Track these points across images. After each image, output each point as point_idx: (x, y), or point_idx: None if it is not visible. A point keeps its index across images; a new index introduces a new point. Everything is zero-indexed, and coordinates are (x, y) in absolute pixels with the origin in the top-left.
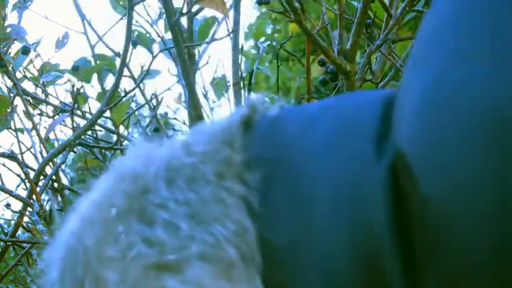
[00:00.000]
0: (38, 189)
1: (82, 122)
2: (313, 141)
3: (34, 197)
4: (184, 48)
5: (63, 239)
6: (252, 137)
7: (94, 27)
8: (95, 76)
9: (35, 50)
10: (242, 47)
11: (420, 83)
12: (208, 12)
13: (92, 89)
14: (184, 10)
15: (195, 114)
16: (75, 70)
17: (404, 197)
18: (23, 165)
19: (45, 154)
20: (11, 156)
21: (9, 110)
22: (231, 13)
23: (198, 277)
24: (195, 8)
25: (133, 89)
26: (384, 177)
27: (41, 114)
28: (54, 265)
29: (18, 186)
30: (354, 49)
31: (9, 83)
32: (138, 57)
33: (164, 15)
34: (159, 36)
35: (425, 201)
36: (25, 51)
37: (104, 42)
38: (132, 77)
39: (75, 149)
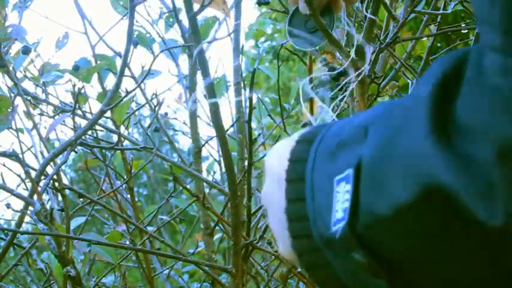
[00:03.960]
0: (39, 188)
1: (83, 122)
2: None
3: (35, 196)
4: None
5: None
6: None
7: (95, 27)
8: (95, 76)
9: (35, 50)
10: (242, 47)
11: None
12: (208, 12)
13: (93, 89)
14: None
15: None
16: (75, 70)
17: None
18: (24, 164)
19: (45, 154)
20: (13, 155)
21: (9, 110)
22: (232, 13)
23: None
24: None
25: (134, 89)
26: None
27: (41, 114)
28: None
29: (18, 185)
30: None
31: (10, 83)
32: (139, 57)
33: (165, 15)
34: (159, 36)
35: None
36: (25, 51)
37: (104, 42)
38: (132, 77)
39: (75, 149)
